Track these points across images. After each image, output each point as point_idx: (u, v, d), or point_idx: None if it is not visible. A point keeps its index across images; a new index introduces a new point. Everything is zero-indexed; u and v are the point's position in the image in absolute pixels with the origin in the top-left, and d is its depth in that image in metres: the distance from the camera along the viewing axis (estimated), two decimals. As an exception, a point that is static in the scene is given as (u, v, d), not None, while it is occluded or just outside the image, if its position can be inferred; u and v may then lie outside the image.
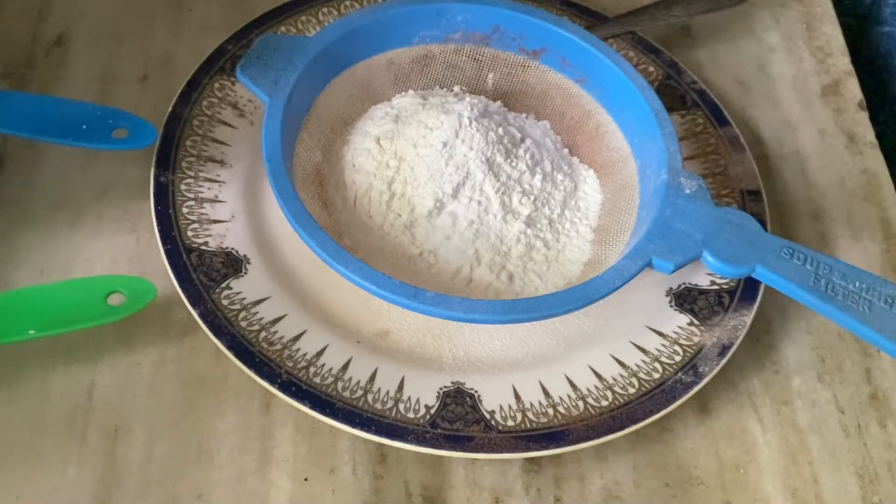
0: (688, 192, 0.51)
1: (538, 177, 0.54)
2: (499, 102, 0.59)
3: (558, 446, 0.48)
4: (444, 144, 0.53)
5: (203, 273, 0.51)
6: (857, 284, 0.49)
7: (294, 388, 0.48)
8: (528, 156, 0.54)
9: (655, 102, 0.55)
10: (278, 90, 0.52)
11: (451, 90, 0.59)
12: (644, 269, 0.49)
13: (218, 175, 0.55)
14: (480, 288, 0.52)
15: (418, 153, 0.53)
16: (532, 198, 0.54)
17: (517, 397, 0.50)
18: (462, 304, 0.47)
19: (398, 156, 0.53)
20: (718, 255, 0.49)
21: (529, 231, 0.53)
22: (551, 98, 0.59)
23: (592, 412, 0.49)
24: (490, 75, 0.59)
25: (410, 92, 0.58)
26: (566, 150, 0.58)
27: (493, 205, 0.53)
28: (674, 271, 0.49)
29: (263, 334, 0.50)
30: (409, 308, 0.47)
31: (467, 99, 0.56)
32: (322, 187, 0.54)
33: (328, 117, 0.56)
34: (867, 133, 0.65)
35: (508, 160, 0.54)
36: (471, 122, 0.53)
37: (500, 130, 0.54)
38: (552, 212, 0.54)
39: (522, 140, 0.55)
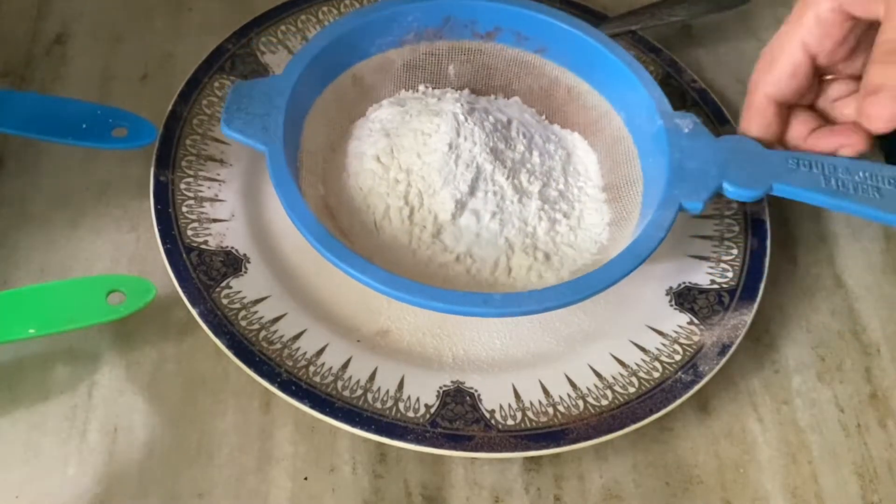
0: (686, 131, 0.52)
1: (536, 153, 0.54)
2: (466, 90, 0.59)
3: (558, 445, 0.48)
4: (450, 146, 0.53)
5: (203, 272, 0.51)
6: (861, 175, 0.50)
7: (294, 388, 0.48)
8: (521, 136, 0.55)
9: (623, 54, 0.55)
10: (271, 136, 0.50)
11: (416, 90, 0.59)
12: (677, 215, 0.50)
13: (218, 174, 0.55)
14: (522, 274, 0.52)
15: (424, 161, 0.53)
16: (538, 174, 0.54)
17: (517, 396, 0.50)
18: (532, 298, 0.47)
19: (404, 169, 0.53)
20: (736, 182, 0.50)
21: (546, 206, 0.53)
22: (515, 74, 0.59)
23: (592, 411, 0.49)
24: (450, 66, 0.59)
25: (384, 102, 0.58)
26: (545, 120, 0.59)
27: (507, 191, 0.53)
28: (703, 210, 0.50)
29: (263, 333, 0.50)
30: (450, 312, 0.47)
31: (448, 95, 0.56)
32: (334, 219, 0.53)
33: (316, 148, 0.55)
34: (867, 132, 0.65)
35: (507, 145, 0.54)
36: (466, 118, 0.53)
37: (491, 118, 0.54)
38: (558, 182, 0.55)
39: (510, 122, 0.55)
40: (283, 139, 0.50)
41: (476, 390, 0.50)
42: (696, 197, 0.50)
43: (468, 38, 0.58)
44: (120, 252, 0.55)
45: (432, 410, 0.48)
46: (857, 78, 0.51)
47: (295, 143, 0.53)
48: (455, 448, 0.47)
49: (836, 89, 0.53)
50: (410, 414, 0.48)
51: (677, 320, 0.53)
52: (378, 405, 0.48)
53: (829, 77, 0.53)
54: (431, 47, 0.58)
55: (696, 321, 0.53)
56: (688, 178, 0.51)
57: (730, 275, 0.55)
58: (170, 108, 0.57)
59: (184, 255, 0.52)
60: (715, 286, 0.54)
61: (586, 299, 0.48)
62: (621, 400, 0.50)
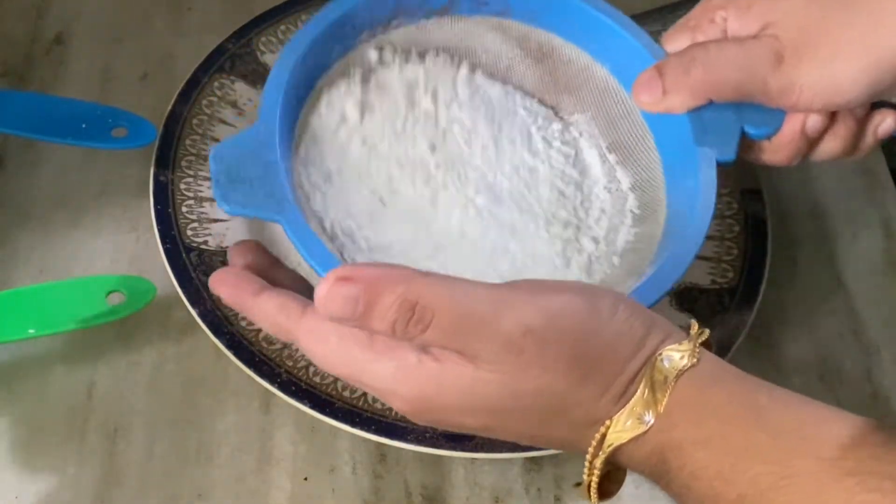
0: None
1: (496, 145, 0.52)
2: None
3: (558, 446, 0.48)
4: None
5: (203, 272, 0.51)
6: None
7: (294, 388, 0.48)
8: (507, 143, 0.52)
9: (596, 2, 0.52)
10: (282, 203, 0.43)
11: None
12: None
13: (218, 174, 0.55)
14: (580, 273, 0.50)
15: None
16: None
17: (517, 397, 0.49)
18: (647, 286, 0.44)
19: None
20: (754, 121, 0.48)
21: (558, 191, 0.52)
22: (479, 43, 0.54)
23: (592, 412, 0.49)
24: (412, 52, 0.53)
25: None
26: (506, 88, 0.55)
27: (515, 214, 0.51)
28: (735, 160, 0.48)
29: (263, 333, 0.50)
30: None
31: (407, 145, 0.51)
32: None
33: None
34: (867, 132, 0.65)
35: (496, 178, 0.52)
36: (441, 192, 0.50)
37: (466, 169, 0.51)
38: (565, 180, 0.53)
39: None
40: (296, 202, 0.44)
41: (476, 390, 0.49)
42: (725, 148, 0.47)
43: (423, 19, 0.52)
44: (120, 252, 0.55)
45: (432, 411, 0.48)
46: None
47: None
48: (455, 448, 0.47)
49: None
50: (410, 414, 0.48)
51: (677, 321, 0.53)
52: (378, 405, 0.48)
53: None
54: (385, 39, 0.52)
55: (696, 321, 0.53)
56: (711, 130, 0.48)
57: (730, 275, 0.55)
58: (169, 107, 0.57)
59: (184, 255, 0.51)
60: (715, 286, 0.54)
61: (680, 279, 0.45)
62: (621, 400, 0.49)
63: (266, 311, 0.39)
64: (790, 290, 0.57)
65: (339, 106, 0.51)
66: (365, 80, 0.52)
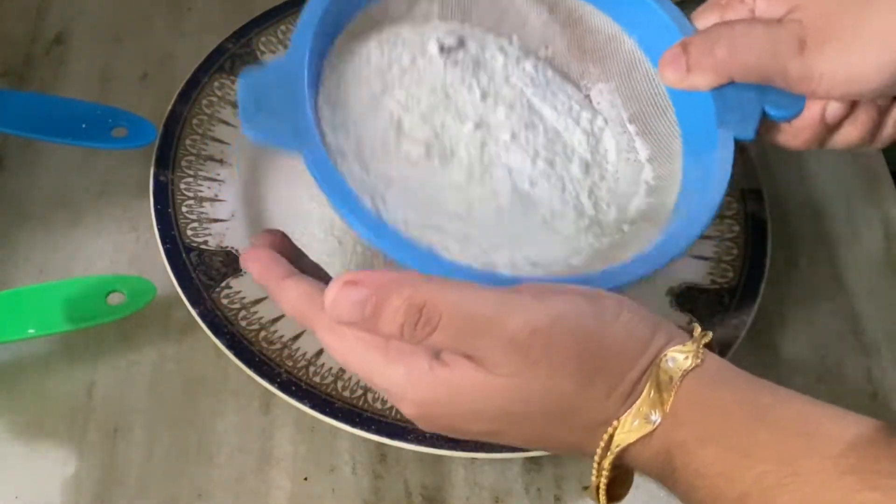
0: None
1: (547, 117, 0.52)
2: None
3: (558, 446, 0.48)
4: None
5: (203, 272, 0.51)
6: None
7: (294, 388, 0.48)
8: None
9: None
10: (305, 136, 0.43)
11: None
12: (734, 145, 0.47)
13: (217, 174, 0.55)
14: (579, 241, 0.50)
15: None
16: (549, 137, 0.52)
17: (517, 397, 0.49)
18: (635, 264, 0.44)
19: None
20: (776, 102, 0.48)
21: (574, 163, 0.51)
22: (508, 6, 0.54)
23: (592, 412, 0.49)
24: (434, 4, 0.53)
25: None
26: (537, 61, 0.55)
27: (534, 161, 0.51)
28: (755, 137, 0.48)
29: (263, 333, 0.50)
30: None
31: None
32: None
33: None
34: (867, 132, 0.65)
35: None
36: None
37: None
38: (575, 133, 0.52)
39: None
40: (320, 135, 0.44)
41: (476, 390, 0.49)
42: (744, 126, 0.47)
43: None
44: (120, 252, 0.55)
45: (432, 411, 0.48)
46: None
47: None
48: (455, 448, 0.47)
49: None
50: (410, 414, 0.48)
51: (677, 321, 0.53)
52: (378, 405, 0.48)
53: None
54: None
55: (696, 321, 0.53)
56: (732, 108, 0.48)
57: (730, 275, 0.55)
58: (169, 107, 0.57)
59: (184, 255, 0.52)
60: (715, 286, 0.54)
61: (680, 258, 0.45)
62: (621, 400, 0.49)
63: (290, 297, 0.39)
64: (790, 290, 0.57)
65: (369, 51, 0.50)
66: (398, 28, 0.51)
